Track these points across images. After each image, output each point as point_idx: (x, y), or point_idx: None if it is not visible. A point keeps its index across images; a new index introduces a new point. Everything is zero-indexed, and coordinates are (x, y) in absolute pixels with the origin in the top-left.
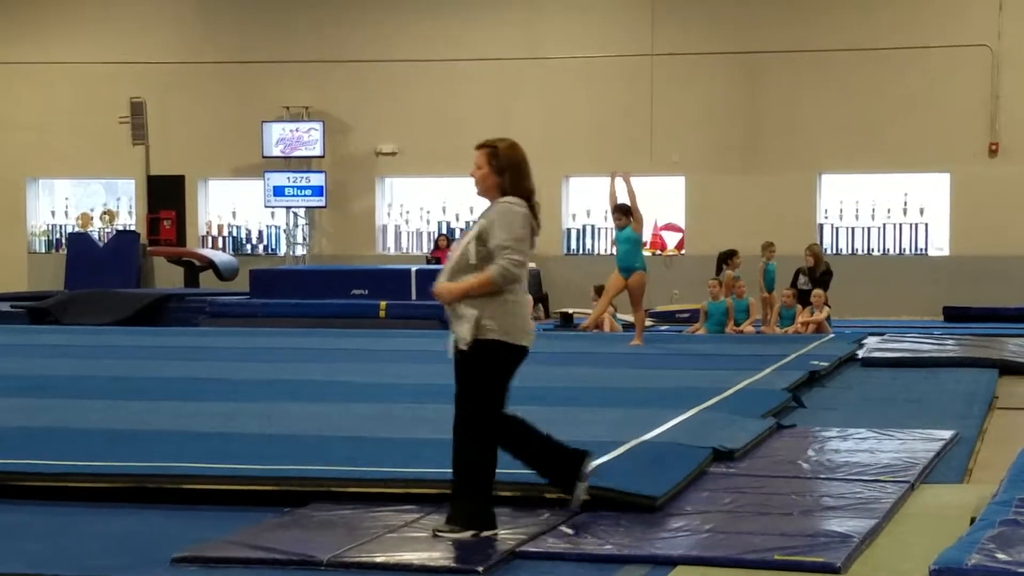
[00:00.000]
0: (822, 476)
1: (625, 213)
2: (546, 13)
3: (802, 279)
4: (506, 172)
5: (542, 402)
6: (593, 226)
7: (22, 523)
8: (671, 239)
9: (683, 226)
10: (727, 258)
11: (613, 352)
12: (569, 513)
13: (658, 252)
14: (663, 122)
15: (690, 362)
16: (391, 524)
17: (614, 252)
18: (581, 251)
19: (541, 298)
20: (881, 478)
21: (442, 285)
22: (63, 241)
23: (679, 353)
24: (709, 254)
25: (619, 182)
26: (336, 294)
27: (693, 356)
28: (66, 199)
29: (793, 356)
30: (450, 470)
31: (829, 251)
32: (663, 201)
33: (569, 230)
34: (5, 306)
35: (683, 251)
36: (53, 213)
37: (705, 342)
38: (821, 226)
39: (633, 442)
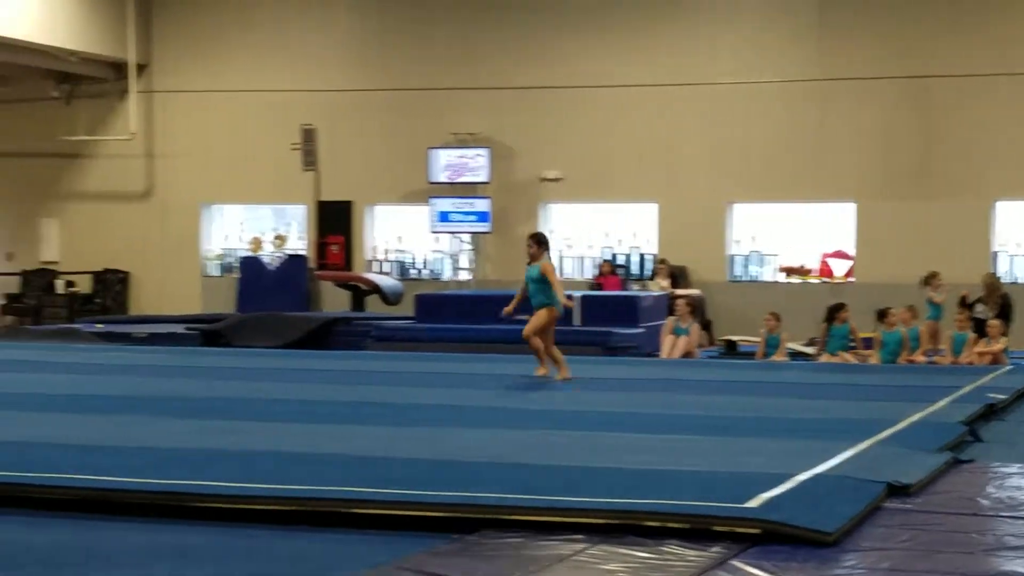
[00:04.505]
0: (1003, 514)
1: (539, 243)
2: (713, 39)
3: (980, 308)
4: None
5: (709, 431)
6: (759, 252)
7: (198, 544)
8: (839, 267)
9: (852, 253)
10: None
11: (781, 381)
12: (741, 547)
13: (825, 280)
14: (832, 148)
15: (862, 393)
16: (561, 553)
17: (778, 279)
18: (746, 278)
19: (705, 325)
20: None
21: None
22: (235, 265)
23: (850, 383)
24: (879, 282)
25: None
26: (500, 319)
27: (865, 387)
28: (240, 224)
29: (969, 388)
30: (620, 500)
31: (1005, 280)
32: (831, 228)
33: (733, 257)
34: (180, 328)
35: (852, 279)
36: (226, 237)
37: (877, 372)
38: (996, 254)
39: (805, 475)
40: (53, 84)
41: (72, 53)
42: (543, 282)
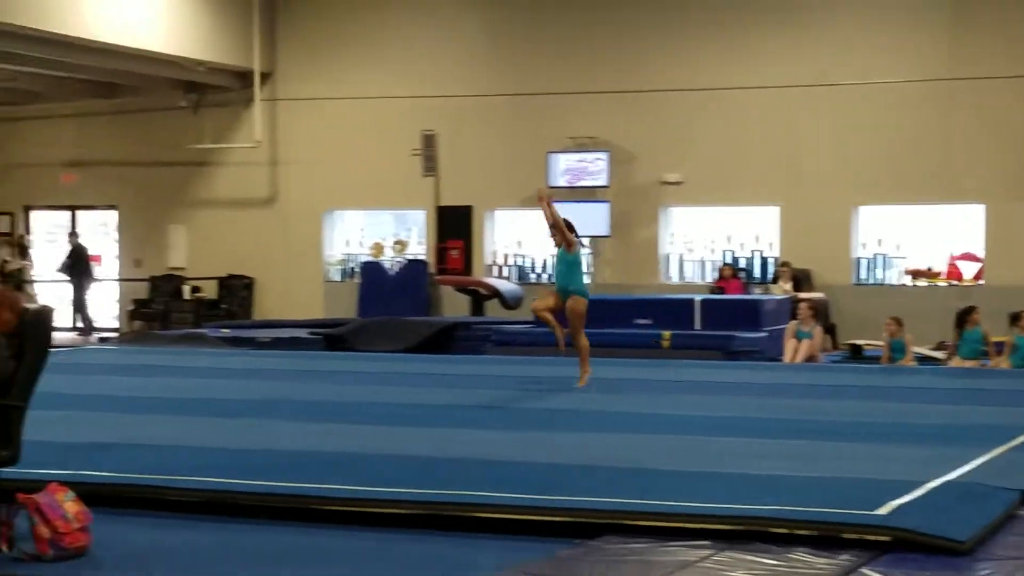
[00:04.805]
0: None
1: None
2: (835, 39)
3: None
4: None
5: (834, 437)
6: (884, 256)
7: (324, 546)
8: (968, 269)
9: (982, 255)
10: None
11: (909, 386)
12: (871, 555)
13: (954, 283)
14: (960, 148)
15: (994, 398)
16: (685, 559)
17: (904, 282)
18: (872, 281)
19: (829, 328)
20: None
21: None
22: (356, 270)
23: (981, 388)
24: (1010, 284)
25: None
26: (619, 323)
27: (997, 392)
28: (361, 230)
29: None
30: (746, 505)
31: None
32: (959, 230)
33: (859, 259)
34: (303, 333)
35: (981, 281)
36: (348, 243)
37: (1010, 377)
38: None
39: (936, 482)
40: (181, 94)
41: (200, 63)
42: (572, 264)
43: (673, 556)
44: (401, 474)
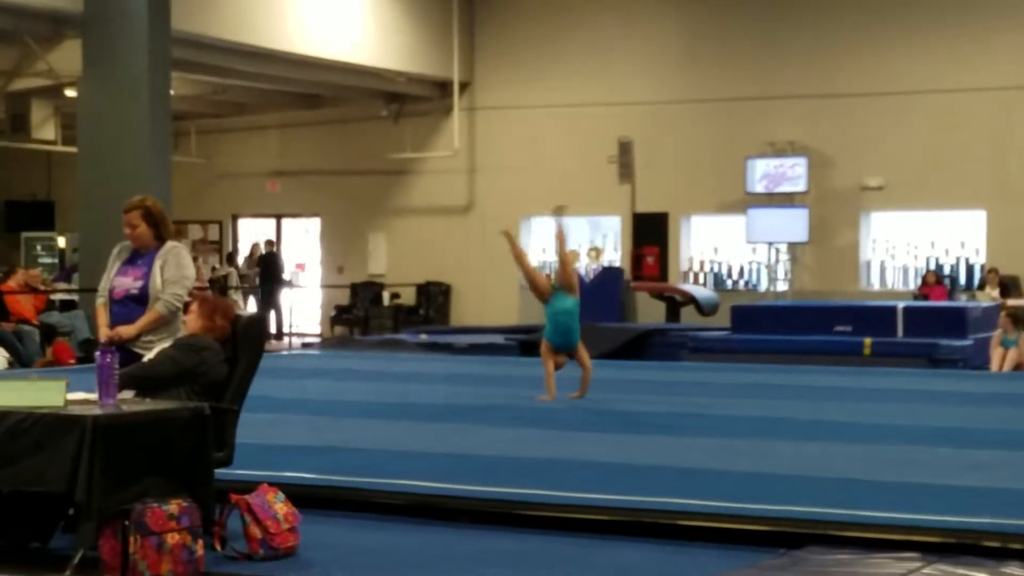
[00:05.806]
0: None
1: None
2: None
3: None
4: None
5: None
6: None
7: (527, 550)
8: None
9: None
10: None
11: None
12: None
13: None
14: None
15: None
16: (892, 572)
17: None
18: None
19: None
20: None
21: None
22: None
23: None
24: None
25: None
26: (818, 330)
27: None
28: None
29: None
30: (956, 518)
31: None
32: None
33: None
34: (499, 338)
35: None
36: (544, 250)
37: None
38: None
39: None
40: (382, 104)
41: (401, 74)
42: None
43: (880, 568)
44: (599, 480)
